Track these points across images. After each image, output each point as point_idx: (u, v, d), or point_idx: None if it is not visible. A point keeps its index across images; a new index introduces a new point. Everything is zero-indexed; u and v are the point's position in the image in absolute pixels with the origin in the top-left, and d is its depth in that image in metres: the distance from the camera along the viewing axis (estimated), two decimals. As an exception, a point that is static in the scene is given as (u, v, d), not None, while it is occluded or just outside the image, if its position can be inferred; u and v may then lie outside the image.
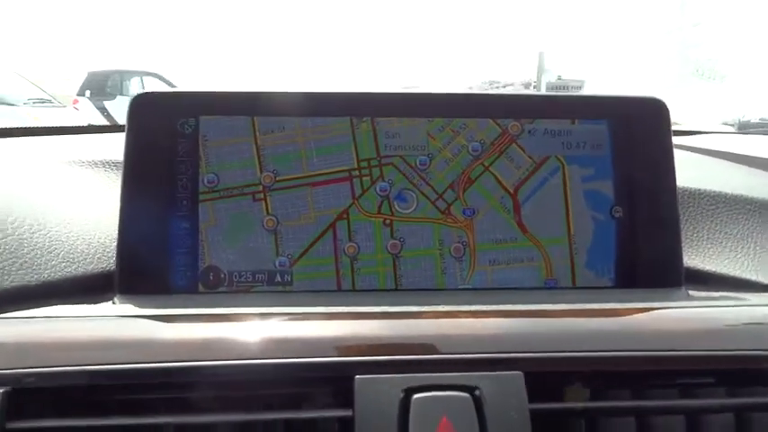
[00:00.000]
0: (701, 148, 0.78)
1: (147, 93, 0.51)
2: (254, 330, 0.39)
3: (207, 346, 0.38)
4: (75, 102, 7.71)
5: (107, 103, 7.80)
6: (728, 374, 0.40)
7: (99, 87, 8.17)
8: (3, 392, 0.35)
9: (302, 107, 0.51)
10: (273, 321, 0.41)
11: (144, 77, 8.73)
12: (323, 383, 0.37)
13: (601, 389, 0.39)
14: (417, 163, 0.52)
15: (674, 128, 0.54)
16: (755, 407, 0.39)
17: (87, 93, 8.13)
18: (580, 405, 0.38)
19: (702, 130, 1.06)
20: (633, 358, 0.39)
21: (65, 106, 6.17)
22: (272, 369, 0.37)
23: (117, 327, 0.40)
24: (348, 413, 0.36)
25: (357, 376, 0.36)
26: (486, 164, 0.52)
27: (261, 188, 0.51)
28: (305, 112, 0.51)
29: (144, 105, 0.50)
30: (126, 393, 0.37)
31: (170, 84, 8.54)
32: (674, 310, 0.44)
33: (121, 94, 8.38)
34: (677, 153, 0.53)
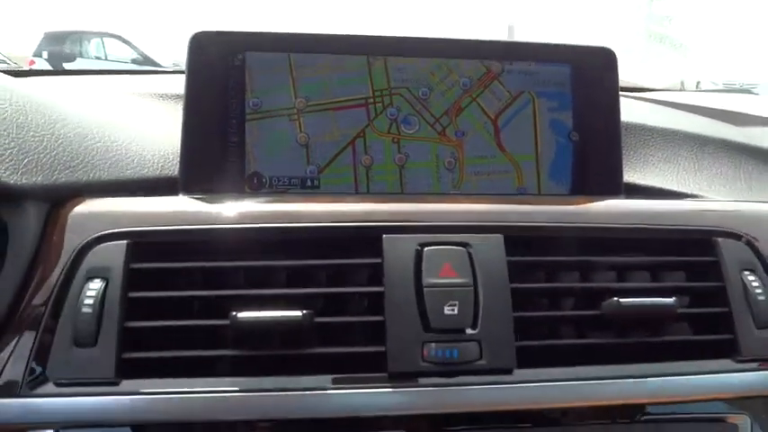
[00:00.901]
0: (647, 98, 0.93)
1: (204, 32, 0.62)
2: (303, 206, 0.53)
3: (270, 215, 0.51)
4: (32, 63, 7.52)
5: (66, 65, 7.63)
6: (650, 241, 0.55)
7: (57, 48, 7.99)
8: (126, 244, 0.48)
9: (329, 46, 0.64)
10: (316, 203, 0.54)
11: (104, 38, 8.56)
12: (360, 240, 0.51)
13: (558, 248, 0.53)
14: (420, 94, 0.65)
15: (630, 85, 0.68)
16: (668, 264, 0.54)
17: (44, 54, 7.94)
18: (542, 259, 0.52)
19: (656, 88, 1.21)
20: (581, 228, 0.54)
21: (20, 67, 6.06)
22: (326, 230, 0.51)
23: (192, 204, 0.53)
24: (378, 260, 0.49)
25: (384, 235, 0.50)
26: (474, 96, 0.66)
27: (295, 111, 0.63)
28: (331, 51, 0.64)
29: (201, 42, 0.62)
30: (206, 249, 0.50)
31: (131, 45, 8.40)
32: (612, 201, 0.59)
33: (81, 56, 8.21)
34: (628, 100, 0.67)
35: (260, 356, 0.47)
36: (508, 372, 0.48)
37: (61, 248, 0.48)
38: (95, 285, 0.46)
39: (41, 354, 0.45)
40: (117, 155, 0.58)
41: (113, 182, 0.57)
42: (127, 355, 0.46)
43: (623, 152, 0.68)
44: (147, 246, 0.49)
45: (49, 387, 0.45)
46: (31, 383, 0.45)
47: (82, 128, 0.57)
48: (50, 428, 0.44)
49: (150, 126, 0.66)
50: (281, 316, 0.46)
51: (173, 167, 0.62)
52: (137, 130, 0.64)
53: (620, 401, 0.49)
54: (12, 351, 0.45)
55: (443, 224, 0.52)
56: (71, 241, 0.48)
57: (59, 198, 0.51)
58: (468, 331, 0.48)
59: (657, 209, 0.58)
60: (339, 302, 0.50)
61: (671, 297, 0.51)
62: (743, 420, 0.52)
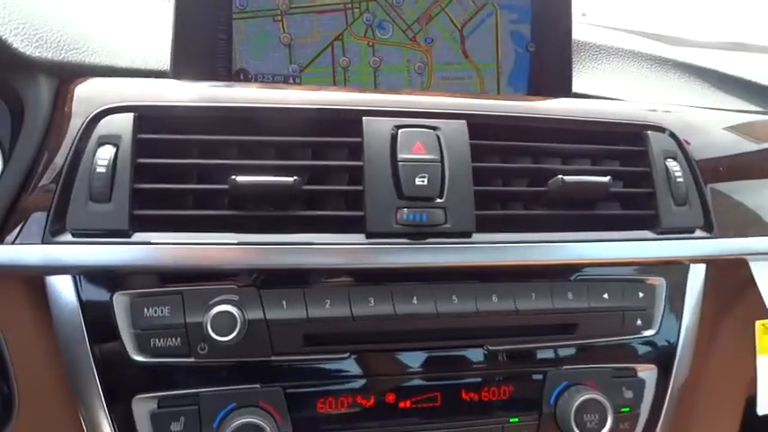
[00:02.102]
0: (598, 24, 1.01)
1: (193, -69, 0.66)
2: (291, 92, 0.59)
3: (261, 98, 0.57)
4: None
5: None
6: (591, 133, 0.64)
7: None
8: (133, 116, 0.54)
9: (311, -47, 0.69)
10: (303, 90, 0.60)
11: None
12: (343, 122, 0.57)
13: (513, 135, 0.61)
14: (394, 2, 0.71)
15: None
16: (606, 152, 0.63)
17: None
18: (499, 143, 0.60)
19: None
20: (533, 118, 0.62)
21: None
22: (313, 112, 0.57)
23: (190, 86, 0.58)
24: (359, 139, 0.56)
25: (364, 117, 0.57)
26: (443, 5, 0.72)
27: (279, 12, 0.69)
28: (313, -43, 0.69)
29: (191, -59, 0.66)
30: (205, 124, 0.56)
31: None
32: (562, 99, 0.67)
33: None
34: (582, 25, 0.75)
35: (255, 216, 0.54)
36: (468, 235, 0.57)
37: (73, 118, 0.53)
38: (107, 150, 0.52)
39: (61, 207, 0.51)
40: (114, 45, 0.63)
41: (111, 68, 0.61)
42: (138, 212, 0.52)
43: (575, 65, 0.76)
44: (152, 119, 0.55)
45: (68, 236, 0.51)
46: (53, 232, 0.50)
47: (81, 19, 0.61)
48: (69, 273, 0.50)
49: (143, 22, 0.70)
50: (275, 181, 0.53)
51: (164, 62, 0.67)
52: (130, 24, 0.68)
53: (560, 261, 0.58)
54: (35, 203, 0.51)
55: (416, 110, 0.59)
56: (82, 112, 0.53)
57: (66, 75, 0.56)
58: (436, 200, 0.56)
59: (599, 107, 0.66)
60: (324, 175, 0.57)
61: (606, 177, 0.60)
62: (660, 282, 0.62)
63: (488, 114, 0.61)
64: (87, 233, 0.51)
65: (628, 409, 0.60)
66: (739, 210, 0.71)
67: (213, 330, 0.49)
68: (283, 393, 0.53)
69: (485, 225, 0.57)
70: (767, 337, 0.64)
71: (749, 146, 0.78)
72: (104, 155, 0.52)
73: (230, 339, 0.49)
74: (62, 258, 0.50)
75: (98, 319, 0.51)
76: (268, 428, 0.50)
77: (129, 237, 0.51)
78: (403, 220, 0.55)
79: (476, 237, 0.57)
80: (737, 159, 0.75)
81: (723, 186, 0.71)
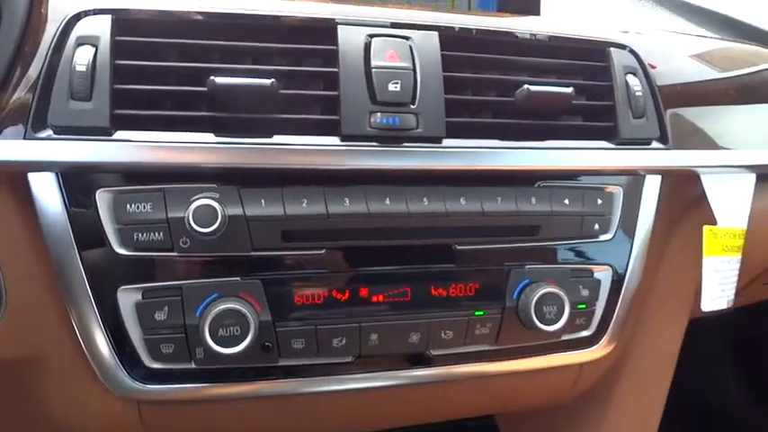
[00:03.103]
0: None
1: None
2: (269, 1, 0.60)
3: (239, 4, 0.58)
4: None
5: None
6: (557, 48, 0.66)
7: None
8: (111, 18, 0.54)
9: None
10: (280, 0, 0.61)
11: None
12: (319, 30, 0.59)
13: (483, 48, 0.64)
14: None
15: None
16: (570, 68, 0.66)
17: None
18: (469, 55, 0.62)
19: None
20: (503, 32, 0.64)
21: None
22: (290, 20, 0.58)
23: None
24: (334, 47, 0.58)
25: (339, 26, 0.59)
26: None
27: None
28: None
29: None
30: (183, 29, 0.56)
31: None
32: (531, 17, 0.70)
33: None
34: None
35: (233, 119, 0.56)
36: (439, 140, 0.59)
37: (50, 20, 0.54)
38: (86, 51, 0.53)
39: (41, 105, 0.52)
40: None
41: None
42: (118, 112, 0.53)
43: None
44: (129, 21, 0.55)
45: (50, 132, 0.52)
46: (34, 129, 0.51)
47: None
48: (51, 170, 0.52)
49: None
50: (253, 83, 0.54)
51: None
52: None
53: (524, 167, 0.62)
54: (15, 102, 0.52)
55: (389, 21, 0.61)
56: (59, 12, 0.54)
57: None
58: (408, 105, 0.58)
59: (566, 26, 0.69)
60: (300, 80, 0.59)
61: (569, 88, 0.63)
62: (617, 191, 0.66)
63: (459, 27, 0.63)
64: (69, 130, 0.52)
65: (584, 306, 0.65)
66: (697, 134, 0.75)
67: (195, 222, 0.51)
68: (262, 285, 0.55)
69: (455, 132, 0.60)
70: (713, 240, 0.69)
71: (712, 73, 0.82)
72: (83, 55, 0.53)
73: (211, 231, 0.52)
74: (44, 155, 0.51)
75: (82, 215, 0.52)
76: (248, 314, 0.53)
77: (111, 135, 0.53)
78: (376, 123, 0.57)
79: (446, 142, 0.60)
80: (700, 86, 0.78)
81: (683, 111, 0.74)
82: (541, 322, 0.60)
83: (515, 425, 0.88)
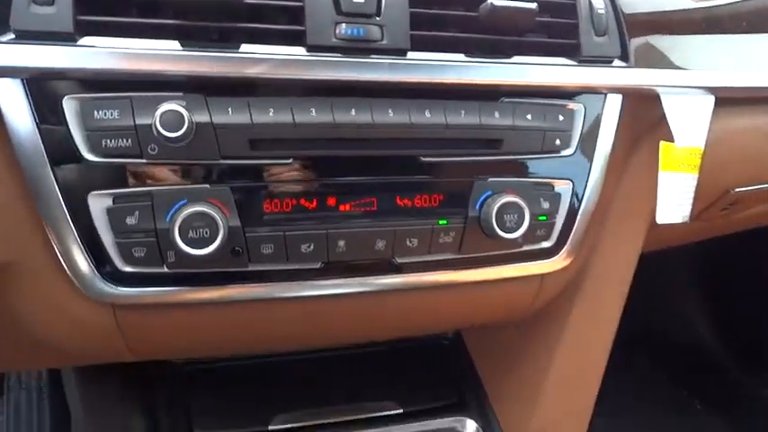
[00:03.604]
0: None
1: None
2: None
3: None
4: None
5: None
6: None
7: None
8: None
9: None
10: None
11: None
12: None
13: None
14: None
15: None
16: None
17: None
18: None
19: None
20: None
21: None
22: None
23: None
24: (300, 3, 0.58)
25: None
26: None
27: None
28: None
29: None
30: None
31: None
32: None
33: None
34: None
35: (199, 28, 0.56)
36: (403, 53, 0.60)
37: None
38: None
39: (3, 7, 0.51)
40: None
41: None
42: (82, 17, 0.53)
43: None
44: None
45: (11, 36, 0.51)
46: None
47: None
48: (17, 76, 0.52)
49: None
50: None
51: None
52: None
53: (488, 81, 0.63)
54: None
55: None
56: None
57: None
58: (373, 17, 0.59)
59: None
60: None
61: (533, 4, 0.64)
62: (579, 107, 0.68)
63: None
64: (32, 35, 0.52)
65: (544, 218, 0.67)
66: (661, 61, 0.77)
67: (162, 127, 0.52)
68: (231, 193, 0.57)
69: (419, 45, 0.61)
70: (669, 156, 0.71)
71: (679, 3, 0.83)
72: None
73: (179, 137, 0.53)
74: (8, 60, 0.51)
75: (49, 122, 0.53)
76: (217, 217, 0.55)
77: (75, 41, 0.53)
78: (341, 34, 0.58)
79: (411, 55, 0.61)
80: (665, 15, 0.80)
81: (648, 38, 0.76)
82: (502, 230, 0.63)
83: (480, 343, 0.92)
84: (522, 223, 0.63)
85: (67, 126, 0.53)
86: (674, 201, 0.72)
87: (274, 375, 0.86)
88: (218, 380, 0.84)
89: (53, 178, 0.54)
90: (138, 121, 0.54)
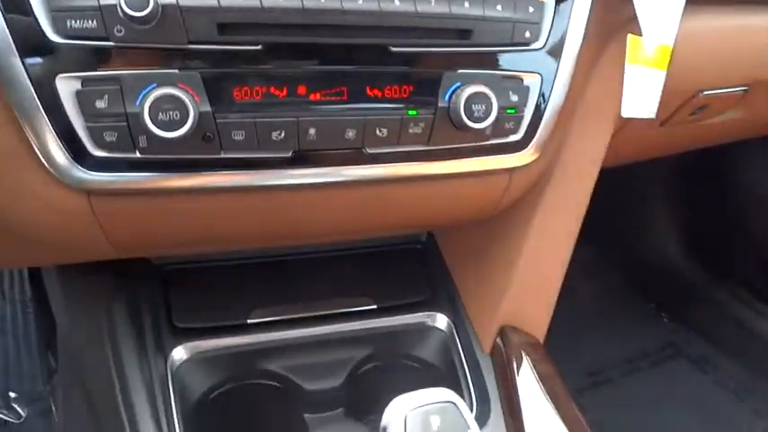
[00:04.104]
0: None
1: None
2: None
3: None
4: None
5: None
6: None
7: None
8: None
9: None
10: None
11: None
12: None
13: None
14: None
15: None
16: None
17: None
18: None
19: None
20: None
21: None
22: None
23: None
24: None
25: None
26: None
27: None
28: None
29: None
30: None
31: None
32: None
33: None
34: None
35: None
36: None
37: None
38: None
39: None
40: None
41: None
42: None
43: None
44: None
45: None
46: None
47: None
48: None
49: None
50: None
51: None
52: None
53: None
54: None
55: None
56: None
57: None
58: None
59: None
60: None
61: None
62: (549, 0, 0.68)
63: None
64: None
65: (513, 111, 0.68)
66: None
67: (126, 6, 0.52)
68: (201, 78, 0.57)
69: None
70: (636, 49, 0.72)
71: None
72: None
73: (144, 16, 0.52)
74: None
75: (14, 6, 0.52)
76: (187, 101, 0.55)
77: None
78: None
79: None
80: None
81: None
82: (470, 120, 0.64)
83: (452, 244, 0.96)
84: (490, 113, 0.64)
85: (31, 7, 0.53)
86: (641, 95, 0.74)
87: (253, 275, 0.89)
88: (197, 279, 0.87)
89: (20, 63, 0.53)
90: (103, 1, 0.53)
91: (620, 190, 2.01)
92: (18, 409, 1.40)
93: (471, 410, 0.76)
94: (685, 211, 1.97)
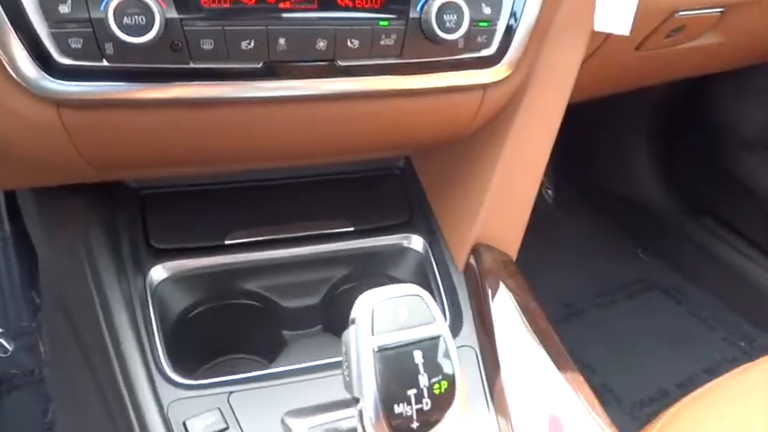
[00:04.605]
0: None
1: None
2: None
3: None
4: None
5: None
6: None
7: None
8: None
9: None
10: None
11: None
12: None
13: None
14: None
15: None
16: None
17: None
18: None
19: None
20: None
21: None
22: None
23: None
24: None
25: None
26: None
27: None
28: None
29: None
30: None
31: None
32: None
33: None
34: None
35: None
36: None
37: None
38: None
39: None
40: None
41: None
42: None
43: None
44: None
45: None
46: None
47: None
48: None
49: None
50: None
51: None
52: None
53: None
54: None
55: None
56: None
57: None
58: None
59: None
60: None
61: None
62: None
63: None
64: None
65: (486, 24, 0.68)
66: None
67: None
68: None
69: None
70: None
71: None
72: None
73: None
74: None
75: None
76: (152, 5, 0.54)
77: None
78: None
79: None
80: None
81: None
82: (442, 30, 0.63)
83: (428, 168, 0.96)
84: (462, 24, 0.64)
85: None
86: (615, 10, 0.73)
87: (231, 199, 0.89)
88: (175, 202, 0.87)
89: None
90: None
91: (600, 127, 2.02)
92: (4, 343, 1.42)
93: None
94: (664, 148, 1.99)
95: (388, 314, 0.48)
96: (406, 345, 0.47)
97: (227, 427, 0.63)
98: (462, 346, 0.76)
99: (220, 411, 0.64)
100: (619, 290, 1.85)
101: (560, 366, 0.74)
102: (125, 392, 0.67)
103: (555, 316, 1.73)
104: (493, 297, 0.79)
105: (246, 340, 0.84)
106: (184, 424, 0.63)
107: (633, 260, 1.99)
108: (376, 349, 0.47)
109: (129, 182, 0.87)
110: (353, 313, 0.49)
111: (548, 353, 0.75)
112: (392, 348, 0.47)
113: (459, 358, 0.70)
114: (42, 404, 1.31)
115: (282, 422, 0.64)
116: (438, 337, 0.49)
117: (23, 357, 1.41)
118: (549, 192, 2.18)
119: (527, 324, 0.76)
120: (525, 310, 0.78)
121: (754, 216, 1.79)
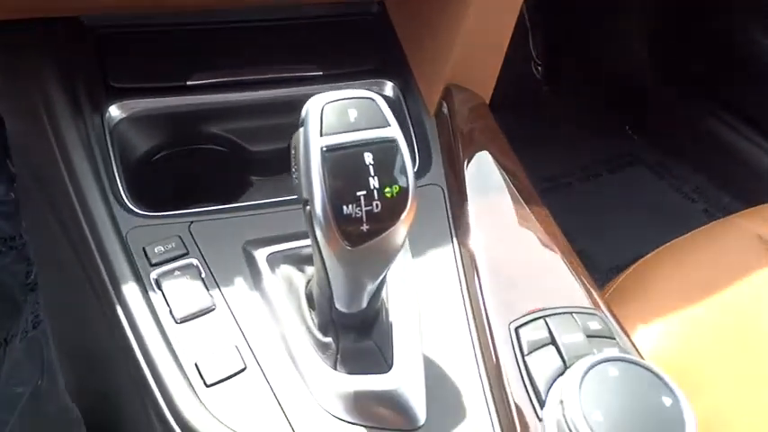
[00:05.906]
0: None
1: None
2: None
3: None
4: None
5: None
6: None
7: None
8: None
9: None
10: None
11: None
12: None
13: None
14: None
15: None
16: None
17: None
18: None
19: None
20: None
21: None
22: None
23: None
24: None
25: None
26: None
27: None
28: None
29: None
30: None
31: None
32: None
33: None
34: None
35: None
36: None
37: None
38: None
39: None
40: None
41: None
42: None
43: None
44: None
45: None
46: None
47: None
48: None
49: None
50: None
51: None
52: None
53: None
54: None
55: None
56: None
57: None
58: None
59: None
60: None
61: None
62: None
63: None
64: None
65: None
66: None
67: None
68: None
69: None
70: None
71: None
72: None
73: None
74: None
75: None
76: None
77: None
78: None
79: None
80: None
81: None
82: None
83: (403, 13, 0.91)
84: None
85: None
86: None
87: (194, 40, 0.85)
88: (134, 42, 0.83)
89: None
90: None
91: (591, 2, 1.93)
92: (-17, 213, 1.41)
93: (414, 166, 0.77)
94: (656, 24, 1.91)
95: (339, 115, 0.46)
96: (356, 145, 0.46)
97: (188, 253, 0.62)
98: (429, 184, 0.75)
99: (180, 239, 0.63)
100: (602, 164, 1.84)
101: (528, 203, 0.73)
102: (84, 223, 0.66)
103: (537, 188, 1.73)
104: (462, 138, 0.77)
105: (213, 185, 0.83)
106: (144, 250, 0.62)
107: (620, 136, 1.97)
108: (324, 149, 0.45)
109: (84, 18, 0.82)
110: (302, 113, 0.47)
111: (517, 191, 0.74)
112: (341, 148, 0.45)
113: (426, 195, 0.70)
114: (25, 266, 1.33)
115: (243, 249, 0.64)
116: (392, 141, 0.47)
117: (3, 225, 1.42)
118: (539, 68, 2.11)
119: (497, 163, 0.75)
120: (495, 149, 0.77)
121: (748, 90, 1.75)
